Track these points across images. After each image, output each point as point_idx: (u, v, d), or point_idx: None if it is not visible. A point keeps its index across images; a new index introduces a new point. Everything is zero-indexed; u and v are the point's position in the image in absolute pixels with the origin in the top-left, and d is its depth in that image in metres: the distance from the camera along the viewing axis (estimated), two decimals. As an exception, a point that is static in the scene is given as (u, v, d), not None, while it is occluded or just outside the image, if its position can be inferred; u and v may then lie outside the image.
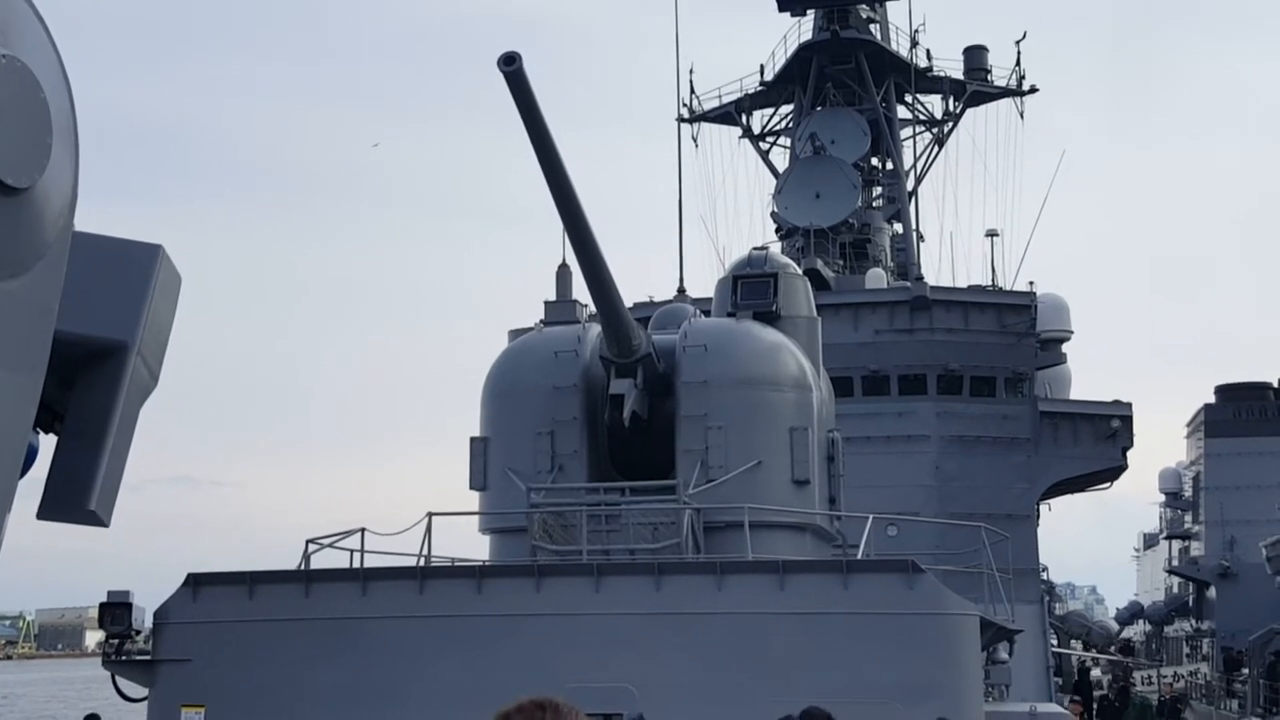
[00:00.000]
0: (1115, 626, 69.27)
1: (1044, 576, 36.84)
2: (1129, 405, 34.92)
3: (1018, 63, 42.30)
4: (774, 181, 40.11)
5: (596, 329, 15.90)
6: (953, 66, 42.60)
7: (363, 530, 14.88)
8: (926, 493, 31.48)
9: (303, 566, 14.41)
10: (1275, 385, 64.59)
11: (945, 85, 42.57)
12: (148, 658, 13.83)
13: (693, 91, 42.55)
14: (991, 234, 39.09)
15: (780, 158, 42.66)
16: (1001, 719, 16.00)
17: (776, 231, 38.81)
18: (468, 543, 16.98)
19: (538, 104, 12.50)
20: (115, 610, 13.71)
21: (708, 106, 42.86)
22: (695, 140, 42.94)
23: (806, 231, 36.35)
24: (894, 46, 41.80)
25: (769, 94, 42.40)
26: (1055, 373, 38.18)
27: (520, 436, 15.92)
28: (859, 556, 14.42)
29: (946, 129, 43.15)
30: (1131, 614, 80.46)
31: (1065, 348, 38.91)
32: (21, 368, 2.16)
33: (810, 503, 15.87)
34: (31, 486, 2.50)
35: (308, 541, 14.72)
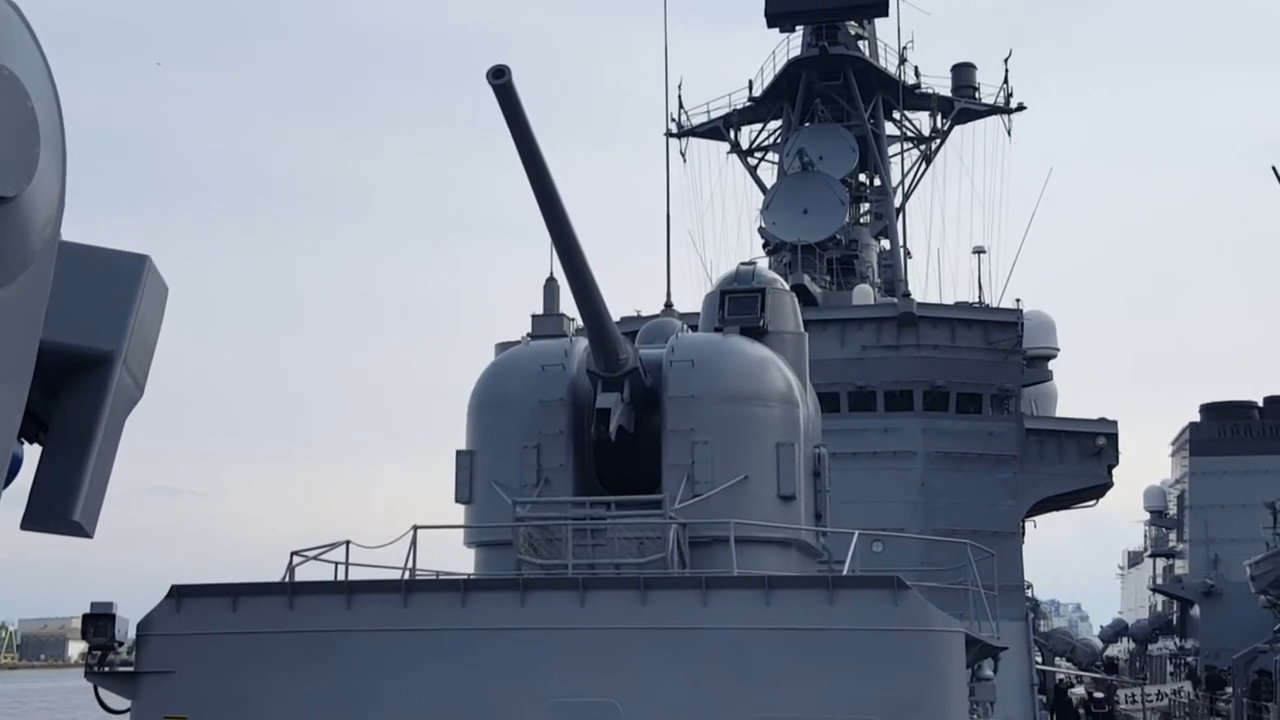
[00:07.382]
0: (1099, 644, 69.10)
1: (1029, 594, 36.78)
2: (1115, 423, 34.92)
3: (1005, 80, 42.52)
4: (762, 197, 40.13)
5: (583, 343, 15.88)
6: (941, 84, 42.79)
7: (348, 543, 14.85)
8: (912, 509, 31.43)
9: (287, 579, 14.37)
10: (1260, 404, 64.72)
11: (933, 102, 42.70)
12: (130, 669, 13.75)
13: (681, 106, 42.70)
14: (978, 251, 39.13)
15: (768, 173, 42.76)
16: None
17: (764, 247, 38.80)
18: (453, 556, 16.98)
19: (526, 118, 12.49)
20: (99, 621, 13.62)
21: (696, 122, 42.96)
22: (683, 155, 43.08)
23: (794, 247, 36.34)
24: (882, 63, 41.91)
25: (757, 109, 42.48)
26: (1041, 390, 38.18)
27: (506, 450, 15.88)
28: (844, 572, 14.39)
29: (934, 146, 43.30)
30: (1115, 632, 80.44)
31: (1051, 365, 38.89)
32: (6, 377, 2.15)
33: (796, 518, 15.85)
34: (15, 496, 2.49)
35: (292, 554, 14.68)
